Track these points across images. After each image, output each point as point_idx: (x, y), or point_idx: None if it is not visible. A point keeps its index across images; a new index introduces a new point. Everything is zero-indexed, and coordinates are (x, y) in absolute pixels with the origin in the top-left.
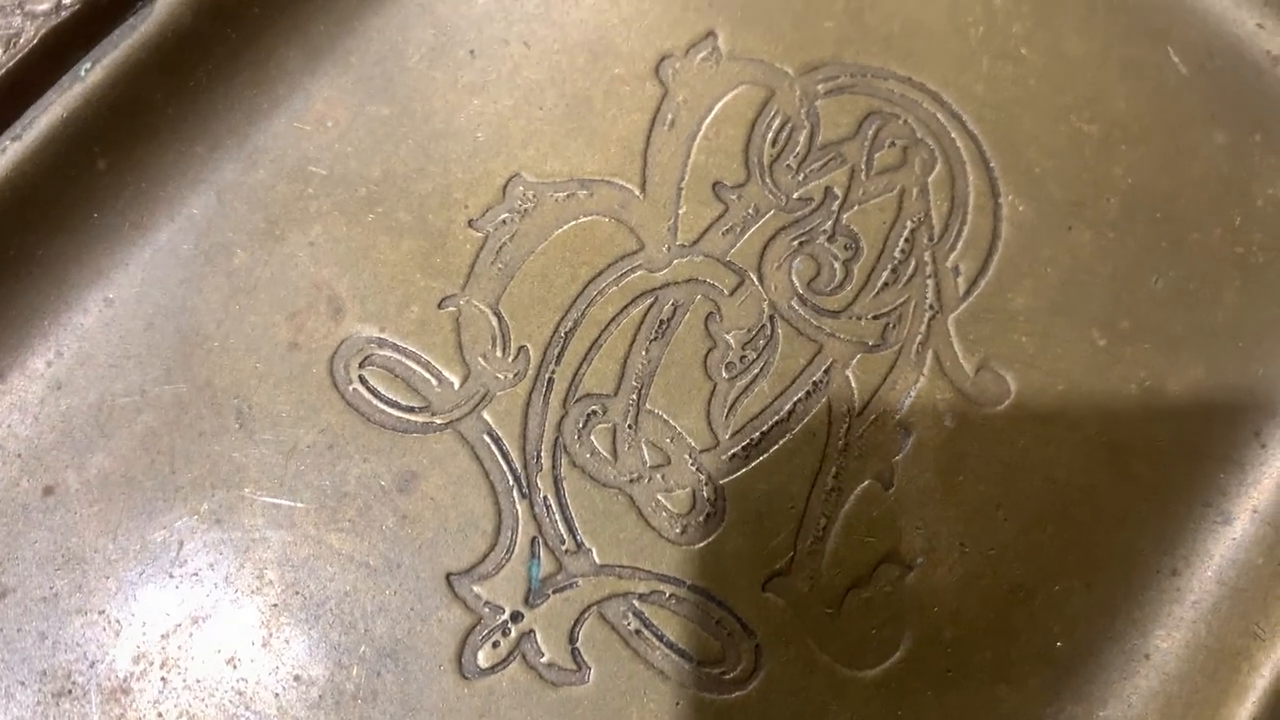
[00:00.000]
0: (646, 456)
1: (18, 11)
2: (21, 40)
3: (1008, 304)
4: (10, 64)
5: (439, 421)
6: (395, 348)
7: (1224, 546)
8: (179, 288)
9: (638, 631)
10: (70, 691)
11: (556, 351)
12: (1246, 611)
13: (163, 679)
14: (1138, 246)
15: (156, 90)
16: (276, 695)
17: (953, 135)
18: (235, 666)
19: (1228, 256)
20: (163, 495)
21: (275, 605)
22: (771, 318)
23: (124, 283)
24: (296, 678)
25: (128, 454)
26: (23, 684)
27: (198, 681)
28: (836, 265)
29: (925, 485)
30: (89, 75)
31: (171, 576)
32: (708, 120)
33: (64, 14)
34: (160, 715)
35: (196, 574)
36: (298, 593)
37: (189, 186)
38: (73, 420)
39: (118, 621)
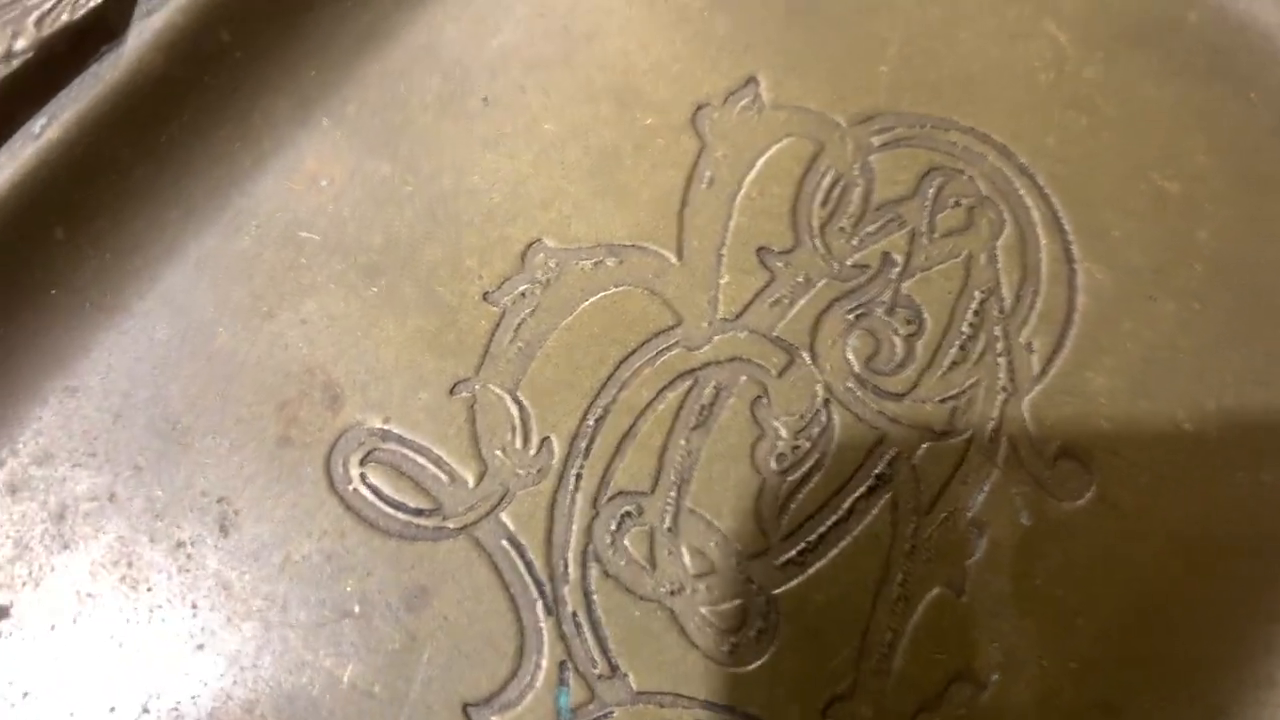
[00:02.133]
0: (689, 564)
1: None
2: None
3: (1087, 384)
4: None
5: (452, 526)
6: (401, 440)
7: None
8: (151, 374)
9: None
10: None
11: (585, 444)
12: None
13: None
14: (1227, 317)
15: (123, 148)
16: None
17: (1022, 194)
18: None
19: None
20: (135, 617)
21: None
22: (826, 402)
23: (87, 370)
24: None
25: (93, 570)
26: None
27: None
28: (898, 341)
29: (1000, 592)
30: (44, 133)
31: (147, 711)
32: (750, 177)
33: (15, 62)
34: None
35: (176, 709)
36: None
37: (162, 258)
38: (30, 530)
39: None
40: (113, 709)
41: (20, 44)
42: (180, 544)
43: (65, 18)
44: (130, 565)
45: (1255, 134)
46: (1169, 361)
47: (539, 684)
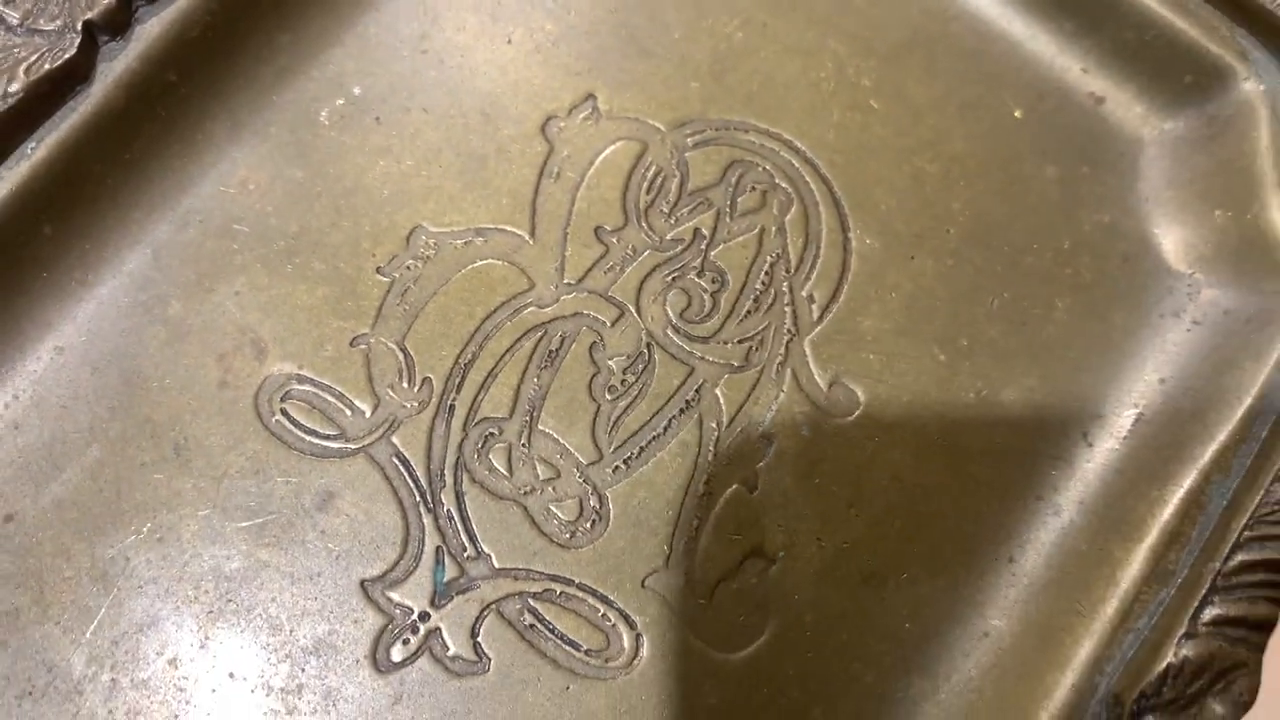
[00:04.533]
0: (539, 471)
1: None
2: None
3: (857, 326)
4: None
5: (352, 447)
6: (312, 383)
7: (1054, 535)
8: (121, 336)
9: (532, 626)
10: (30, 693)
11: (457, 382)
12: (1071, 592)
13: (112, 680)
14: (975, 271)
15: (95, 164)
16: (213, 690)
17: (807, 179)
18: (176, 666)
19: (1058, 277)
20: (110, 519)
21: (210, 612)
22: (649, 345)
23: (71, 333)
24: (231, 674)
25: (78, 484)
26: None
27: (144, 681)
28: (705, 297)
29: (785, 488)
30: (34, 153)
31: (119, 589)
32: (589, 172)
33: (10, 101)
34: (110, 712)
35: (140, 586)
36: (230, 600)
37: (127, 247)
38: (30, 456)
39: (72, 630)
40: (95, 587)
41: (14, 87)
42: (144, 464)
43: (47, 66)
44: (106, 481)
45: (1004, 123)
46: (927, 308)
47: (421, 565)
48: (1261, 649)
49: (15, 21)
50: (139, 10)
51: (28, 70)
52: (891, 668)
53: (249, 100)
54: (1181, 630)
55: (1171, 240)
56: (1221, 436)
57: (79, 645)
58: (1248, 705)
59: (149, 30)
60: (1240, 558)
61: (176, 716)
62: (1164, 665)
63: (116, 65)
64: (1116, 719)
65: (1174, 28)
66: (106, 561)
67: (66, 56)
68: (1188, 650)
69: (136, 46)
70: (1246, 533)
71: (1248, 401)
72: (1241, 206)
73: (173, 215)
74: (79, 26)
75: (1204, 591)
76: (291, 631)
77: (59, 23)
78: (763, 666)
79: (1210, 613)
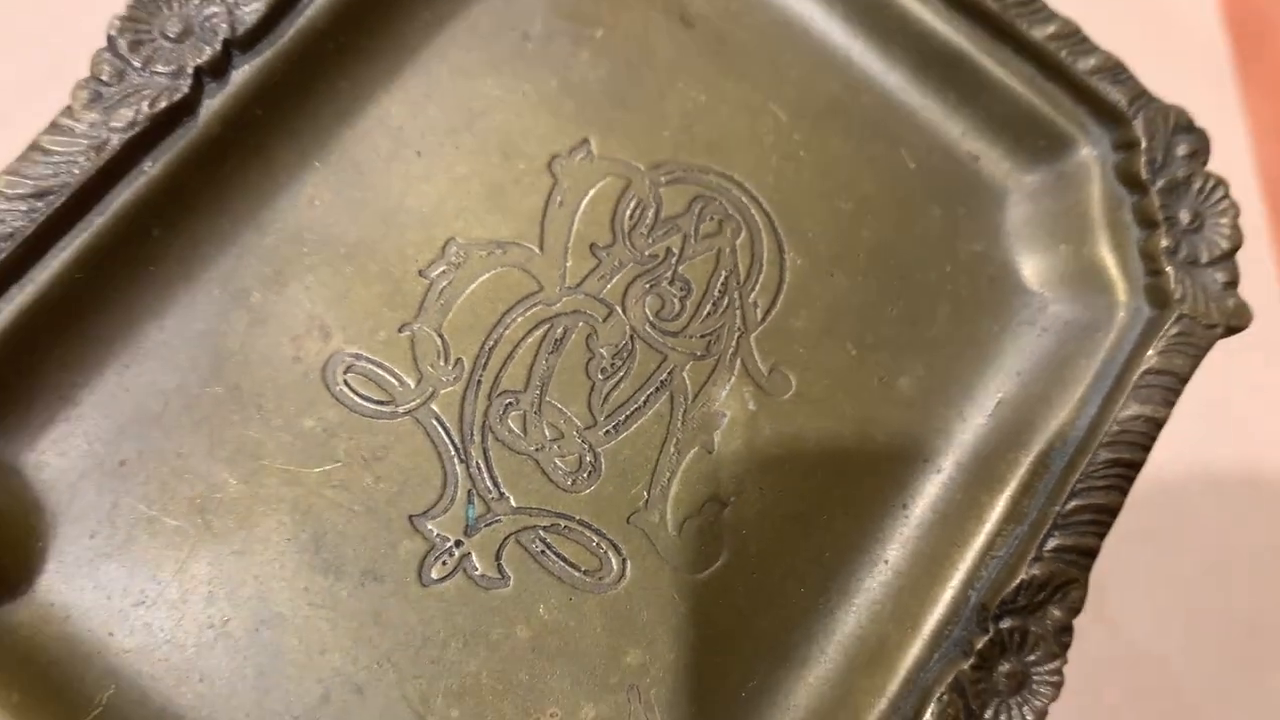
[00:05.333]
0: (547, 433)
1: (104, 126)
2: (107, 147)
3: (790, 326)
4: (100, 163)
5: (401, 411)
6: (368, 360)
7: (937, 488)
8: (212, 320)
9: (542, 551)
10: (143, 602)
11: (483, 362)
12: (950, 531)
13: (209, 593)
14: (878, 286)
15: (195, 180)
16: (291, 599)
17: (753, 212)
18: (261, 583)
19: (941, 292)
20: (206, 465)
21: (289, 539)
22: (632, 337)
23: (173, 315)
24: (305, 589)
25: (180, 438)
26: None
27: (233, 593)
28: (675, 301)
29: (736, 450)
30: (150, 170)
31: (214, 523)
32: (585, 200)
33: (136, 128)
34: (210, 624)
35: (231, 520)
36: (304, 531)
37: (217, 248)
38: (142, 411)
39: (175, 562)
40: (195, 521)
41: (140, 117)
42: (233, 422)
43: (164, 103)
44: (203, 435)
45: (901, 172)
46: (842, 313)
47: (455, 503)
48: (1088, 569)
49: (139, 65)
50: (235, 59)
51: (150, 104)
52: (815, 585)
53: (314, 133)
54: (1032, 555)
55: (1028, 266)
56: (1062, 415)
57: (181, 571)
58: (1076, 610)
59: (241, 75)
60: (1074, 503)
61: (263, 621)
62: (1018, 581)
63: (215, 102)
64: (982, 620)
65: (1031, 104)
66: (203, 499)
67: (180, 95)
68: (1036, 570)
69: (231, 88)
70: (1079, 485)
71: (1081, 390)
72: (1079, 242)
73: (254, 223)
74: (190, 71)
75: (1047, 528)
76: (354, 555)
77: (174, 67)
78: (719, 584)
79: (1052, 543)
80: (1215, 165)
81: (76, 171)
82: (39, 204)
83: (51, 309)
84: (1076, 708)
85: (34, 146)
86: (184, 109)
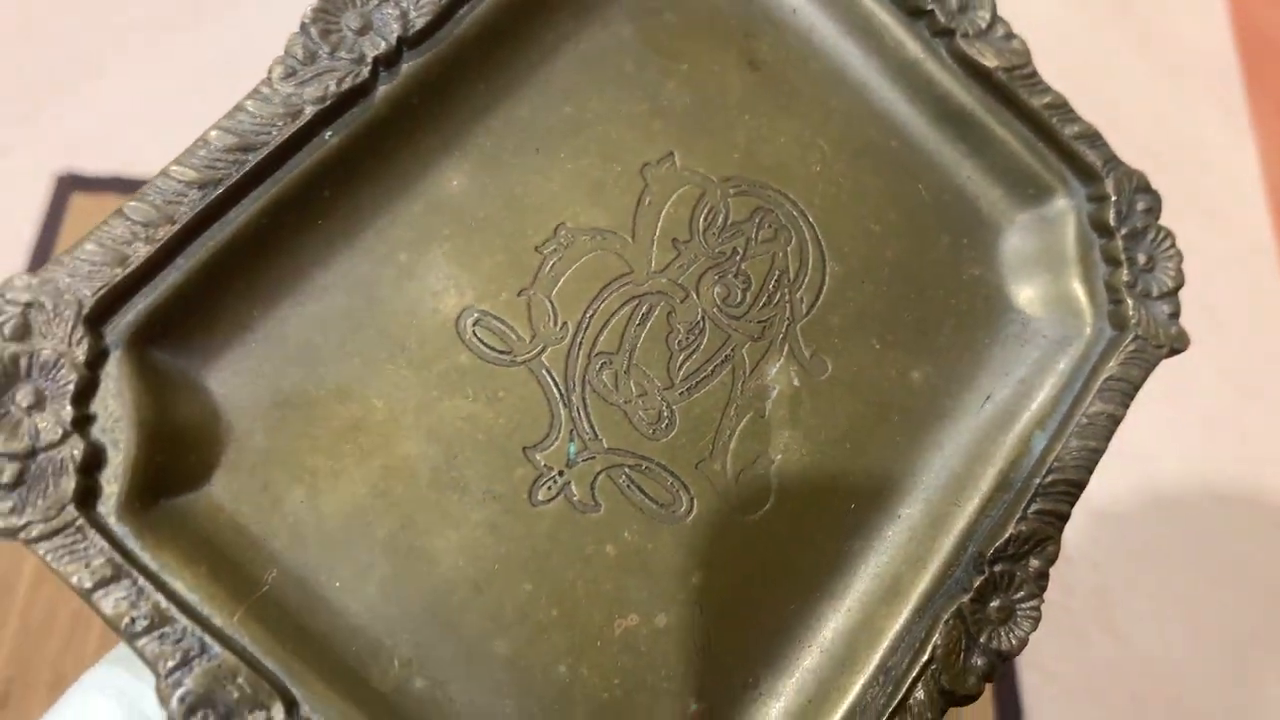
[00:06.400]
0: (633, 389)
1: (299, 98)
2: (301, 115)
3: (828, 321)
4: (295, 128)
5: (518, 361)
6: (493, 317)
7: (940, 460)
8: (367, 272)
9: (628, 486)
10: (302, 502)
11: (585, 326)
12: (953, 495)
13: (355, 499)
14: (898, 296)
15: (362, 152)
16: (425, 508)
17: (802, 226)
18: (400, 493)
19: (947, 306)
20: (359, 392)
21: (425, 458)
22: (703, 317)
23: (336, 265)
24: (437, 501)
25: (338, 365)
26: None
27: (377, 500)
28: (738, 292)
29: (782, 417)
30: (330, 140)
31: (361, 444)
32: (669, 202)
33: (325, 102)
34: (356, 524)
35: (376, 440)
36: (437, 452)
37: (374, 211)
38: (307, 343)
39: (329, 471)
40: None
41: (327, 95)
42: (380, 359)
43: (348, 83)
44: (359, 365)
45: (919, 205)
46: (871, 315)
47: (559, 440)
48: (1061, 530)
49: (327, 51)
50: (405, 54)
51: (338, 83)
52: (844, 532)
53: (456, 125)
54: (1018, 516)
55: (1016, 290)
56: (1041, 409)
57: (334, 474)
58: (1052, 560)
59: (407, 68)
60: (1051, 477)
61: (401, 526)
62: (1007, 535)
63: (386, 88)
64: (979, 565)
65: (1025, 159)
66: (356, 420)
67: (361, 79)
68: (1021, 528)
69: (399, 79)
70: (1055, 463)
71: (1056, 390)
72: (1057, 273)
73: (404, 194)
74: (369, 60)
75: (1030, 495)
76: (476, 474)
77: (355, 55)
78: (767, 525)
79: (1033, 508)
80: (1223, 182)
81: (274, 133)
82: (246, 157)
83: (240, 247)
84: (1085, 712)
85: (239, 108)
86: (362, 91)
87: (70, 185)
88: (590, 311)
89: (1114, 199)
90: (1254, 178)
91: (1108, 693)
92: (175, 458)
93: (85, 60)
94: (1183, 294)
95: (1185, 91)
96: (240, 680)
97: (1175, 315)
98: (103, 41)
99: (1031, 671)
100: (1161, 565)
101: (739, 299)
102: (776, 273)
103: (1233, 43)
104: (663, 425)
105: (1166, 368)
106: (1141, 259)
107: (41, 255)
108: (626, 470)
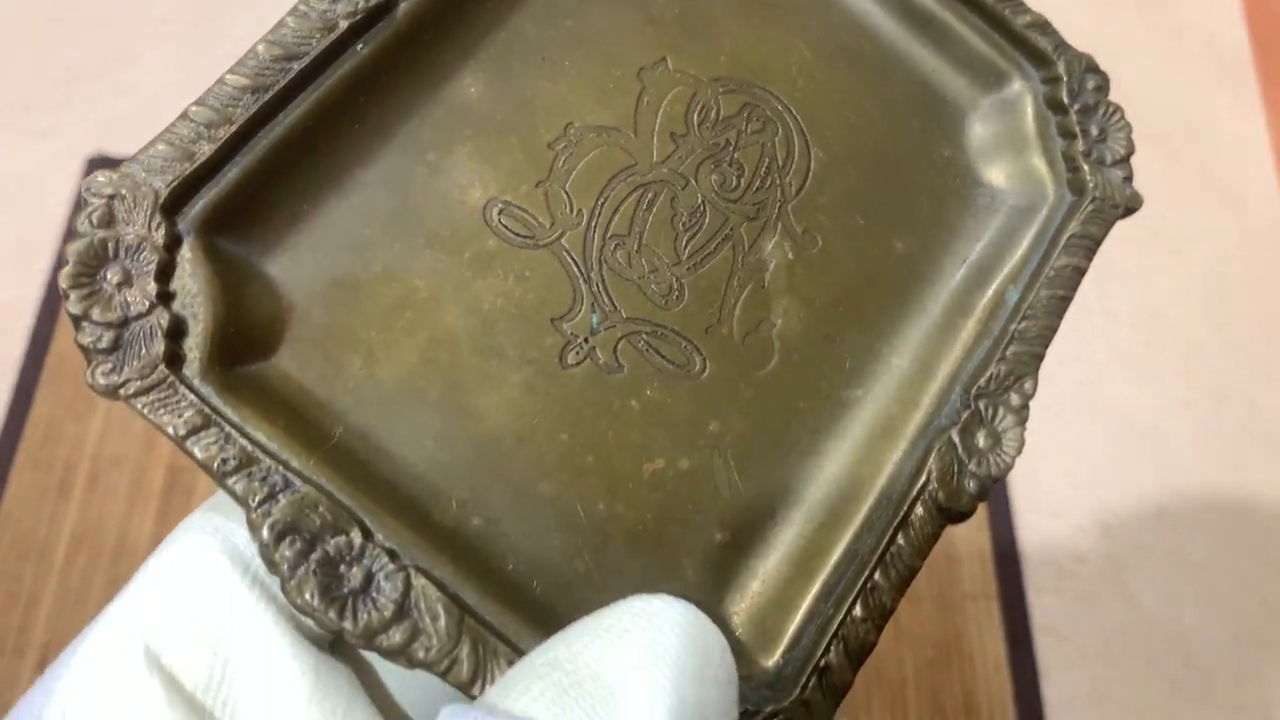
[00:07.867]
0: (645, 266)
1: (333, 14)
2: (337, 29)
3: (815, 202)
4: (331, 40)
5: (541, 243)
6: (515, 206)
7: (925, 318)
8: (402, 169)
9: (647, 349)
10: (360, 368)
11: (598, 212)
12: (936, 346)
13: (407, 364)
14: (879, 177)
15: (389, 61)
16: (467, 371)
17: (787, 118)
18: (446, 359)
19: (922, 183)
20: (403, 273)
21: (465, 328)
22: (703, 202)
23: (373, 164)
24: (478, 366)
25: (382, 251)
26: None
27: (425, 364)
28: (733, 178)
29: (779, 283)
30: (360, 50)
31: (407, 317)
32: (665, 101)
33: (356, 16)
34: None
35: (420, 316)
36: (476, 323)
37: (403, 114)
38: (353, 233)
39: (382, 342)
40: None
41: (359, 8)
42: (414, 247)
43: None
44: (394, 251)
45: (890, 96)
46: (854, 194)
47: (583, 311)
48: (1036, 368)
49: None
50: None
51: (365, 0)
52: (841, 381)
53: (470, 37)
54: (997, 356)
55: (984, 166)
56: (1012, 266)
57: (386, 342)
58: (1030, 394)
59: None
60: (1024, 324)
61: (455, 384)
62: (989, 374)
63: (405, 4)
64: (965, 400)
65: (982, 50)
66: (400, 298)
67: None
68: (1001, 367)
69: None
70: (1028, 310)
71: (1025, 249)
72: (1019, 149)
73: (430, 99)
74: None
75: (1007, 340)
76: (510, 341)
77: None
78: (773, 379)
79: (1010, 350)
80: (1235, 162)
81: (314, 44)
82: (290, 65)
83: (289, 146)
84: (1099, 673)
85: (281, 24)
86: (385, 9)
87: (100, 167)
88: (602, 199)
89: (1065, 79)
90: (1266, 158)
91: (1121, 656)
92: (245, 330)
93: (121, 49)
94: (1195, 270)
95: (1197, 73)
96: (322, 509)
97: (1129, 179)
98: (140, 33)
99: (1046, 635)
100: (1172, 532)
101: (734, 184)
102: (766, 160)
103: (1244, 24)
104: (674, 296)
105: (1180, 343)
106: (1094, 131)
107: (72, 234)
108: (644, 336)
